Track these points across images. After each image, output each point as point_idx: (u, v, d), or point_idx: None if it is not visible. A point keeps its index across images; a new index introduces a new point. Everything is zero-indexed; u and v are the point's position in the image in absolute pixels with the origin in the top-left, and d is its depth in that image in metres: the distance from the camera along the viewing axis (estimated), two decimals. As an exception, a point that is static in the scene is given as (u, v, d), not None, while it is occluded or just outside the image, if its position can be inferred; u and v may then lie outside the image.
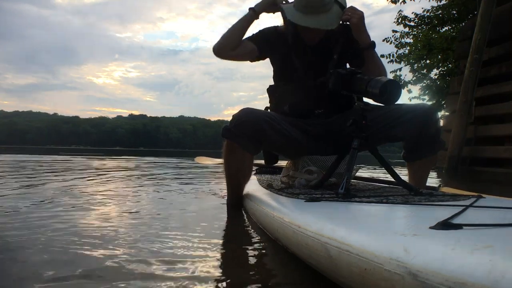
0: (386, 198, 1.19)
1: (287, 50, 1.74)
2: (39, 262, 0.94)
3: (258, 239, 1.25)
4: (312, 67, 1.72)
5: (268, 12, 1.75)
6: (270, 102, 1.87)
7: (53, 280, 0.82)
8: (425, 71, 9.58)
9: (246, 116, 1.53)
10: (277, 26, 1.80)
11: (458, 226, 0.68)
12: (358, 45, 1.65)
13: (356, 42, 1.67)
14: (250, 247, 1.17)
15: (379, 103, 1.35)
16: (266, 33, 1.77)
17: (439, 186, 1.94)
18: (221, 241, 1.22)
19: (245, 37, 1.74)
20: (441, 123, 1.58)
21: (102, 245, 1.10)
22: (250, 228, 1.41)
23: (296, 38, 1.73)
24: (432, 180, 4.23)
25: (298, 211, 1.04)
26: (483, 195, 1.28)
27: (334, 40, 1.73)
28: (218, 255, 1.06)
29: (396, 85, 1.30)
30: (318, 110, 1.70)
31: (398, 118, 1.60)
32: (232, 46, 1.71)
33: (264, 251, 1.13)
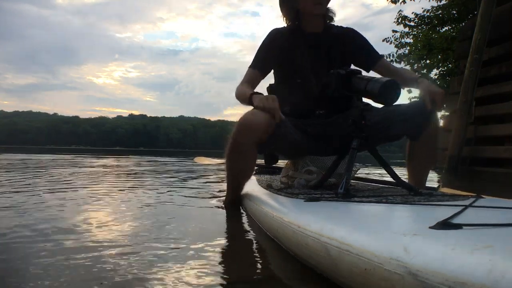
0: (385, 198, 1.19)
1: (289, 46, 1.74)
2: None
3: (257, 238, 1.25)
4: (314, 63, 1.72)
5: None
6: None
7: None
8: (425, 71, 9.58)
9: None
10: (277, 28, 1.81)
11: (458, 226, 0.68)
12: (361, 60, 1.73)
13: (357, 56, 1.75)
14: (249, 246, 1.17)
15: (378, 103, 1.35)
16: (267, 48, 1.77)
17: (438, 186, 1.94)
18: (220, 240, 1.22)
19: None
20: (441, 123, 1.57)
21: (98, 244, 1.10)
22: (249, 228, 1.41)
23: (299, 30, 1.74)
24: (433, 180, 4.23)
25: (297, 211, 1.04)
26: (482, 196, 1.28)
27: (335, 39, 1.74)
28: (217, 254, 1.05)
29: (395, 86, 1.29)
30: (318, 111, 1.70)
31: (396, 117, 1.60)
32: None
33: (263, 249, 1.13)
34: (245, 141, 1.49)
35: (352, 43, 1.78)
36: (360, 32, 1.82)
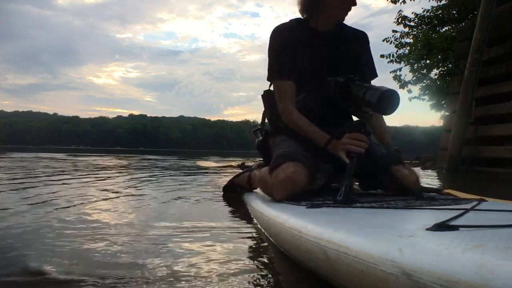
0: (387, 203, 1.19)
1: (292, 44, 1.62)
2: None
3: (261, 245, 1.24)
4: (314, 63, 1.62)
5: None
6: (265, 109, 1.81)
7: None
8: (425, 71, 9.59)
9: None
10: (280, 25, 1.67)
11: (455, 228, 0.68)
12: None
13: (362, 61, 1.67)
14: (252, 252, 1.17)
15: (376, 112, 1.31)
16: (283, 49, 1.61)
17: (443, 188, 1.91)
18: (224, 244, 1.22)
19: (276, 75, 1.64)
20: (441, 123, 1.54)
21: (93, 244, 1.11)
22: (254, 234, 1.39)
23: (306, 27, 1.63)
24: (433, 177, 4.23)
25: (298, 217, 1.04)
26: (486, 198, 1.27)
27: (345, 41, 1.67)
28: (220, 258, 1.06)
29: (394, 95, 1.24)
30: (320, 116, 1.66)
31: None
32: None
33: (266, 255, 1.13)
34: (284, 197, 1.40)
35: (361, 46, 1.70)
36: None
